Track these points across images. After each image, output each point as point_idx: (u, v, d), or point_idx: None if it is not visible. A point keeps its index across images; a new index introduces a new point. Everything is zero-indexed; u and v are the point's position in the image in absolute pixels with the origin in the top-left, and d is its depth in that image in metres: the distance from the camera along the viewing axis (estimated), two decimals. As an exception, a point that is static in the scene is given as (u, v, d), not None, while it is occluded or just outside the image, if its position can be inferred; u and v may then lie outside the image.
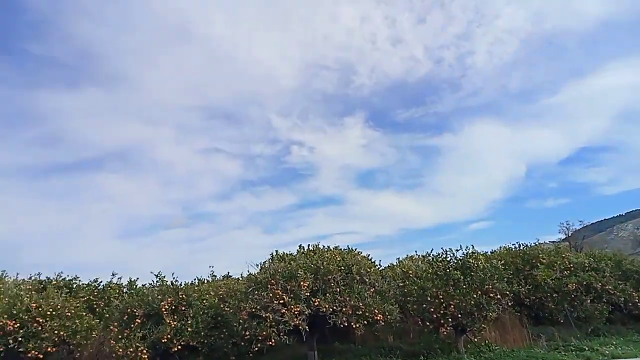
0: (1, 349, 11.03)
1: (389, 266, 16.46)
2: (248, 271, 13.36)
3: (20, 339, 11.20)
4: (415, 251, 16.71)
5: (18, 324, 11.29)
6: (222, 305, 12.96)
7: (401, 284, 13.89)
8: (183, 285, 13.43)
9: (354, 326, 11.66)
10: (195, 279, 15.32)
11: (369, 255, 13.72)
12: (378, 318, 11.80)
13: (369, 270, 12.69)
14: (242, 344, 12.13)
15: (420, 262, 15.10)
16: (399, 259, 16.94)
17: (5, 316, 11.26)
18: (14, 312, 11.41)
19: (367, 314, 11.65)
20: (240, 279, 15.52)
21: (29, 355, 11.30)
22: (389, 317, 12.07)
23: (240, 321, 11.71)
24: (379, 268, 14.10)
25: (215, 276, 16.24)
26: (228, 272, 17.38)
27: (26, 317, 11.48)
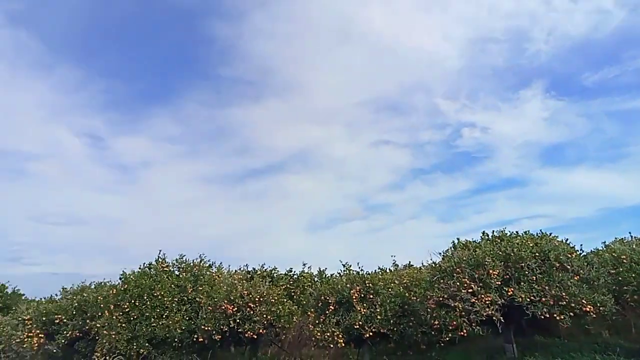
0: (225, 329, 13.03)
1: (593, 251, 14.34)
2: (431, 260, 13.13)
3: (238, 320, 13.08)
4: (629, 233, 14.26)
5: (235, 308, 13.19)
6: (407, 294, 13.01)
7: (612, 271, 11.99)
8: (367, 274, 13.90)
9: (557, 318, 10.48)
10: (378, 269, 15.69)
11: (566, 239, 12.18)
12: (587, 309, 10.38)
13: (569, 256, 11.24)
14: (432, 332, 12.00)
15: (635, 245, 12.82)
16: (604, 242, 14.71)
17: (226, 301, 13.26)
18: (231, 298, 13.36)
19: (572, 304, 10.34)
20: (422, 267, 15.40)
21: (246, 335, 13.12)
22: (601, 308, 10.51)
23: (428, 310, 11.59)
24: (580, 254, 12.39)
25: (397, 265, 16.41)
26: (409, 262, 17.41)
27: (240, 302, 13.33)
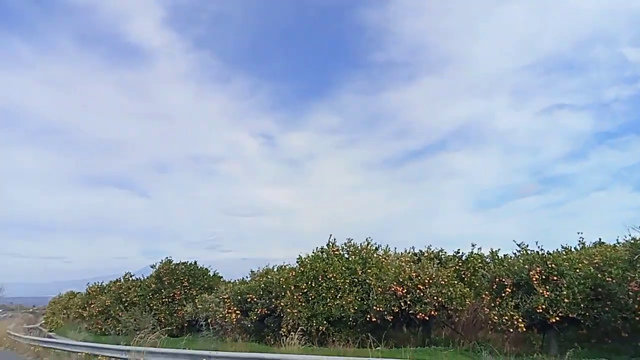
0: (396, 310, 13.25)
1: None
2: (630, 236, 11.30)
3: (408, 302, 13.16)
4: None
5: (405, 290, 13.29)
6: (599, 275, 11.44)
7: None
8: (548, 254, 12.61)
9: None
10: (561, 247, 14.11)
11: None
12: None
13: None
14: (637, 319, 10.35)
15: None
16: None
17: (395, 283, 13.45)
18: (400, 279, 13.49)
19: None
20: (618, 245, 13.39)
21: (418, 316, 13.13)
22: None
23: (630, 293, 10.06)
24: None
25: (584, 243, 14.54)
26: (599, 239, 15.21)
27: (410, 284, 13.37)
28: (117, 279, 27.23)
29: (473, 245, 17.13)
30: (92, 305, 26.01)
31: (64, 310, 34.17)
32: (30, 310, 69.22)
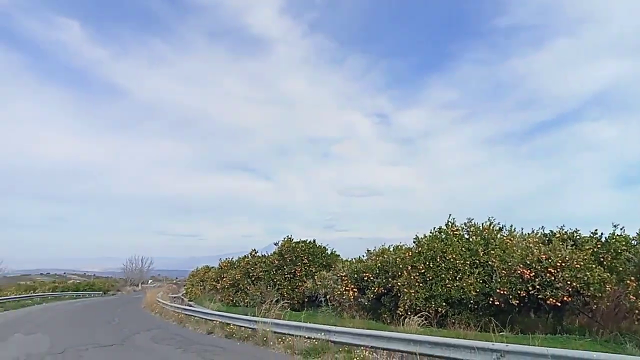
0: (524, 294, 12.41)
1: None
2: None
3: (537, 286, 12.23)
4: None
5: (533, 273, 12.37)
6: None
7: None
8: None
9: None
10: None
11: None
12: None
13: None
14: None
15: None
16: None
17: (521, 265, 12.58)
18: (527, 262, 12.58)
19: None
20: None
21: (548, 302, 12.16)
22: None
23: None
24: None
25: None
26: None
27: (538, 267, 12.41)
28: (244, 255, 29.40)
29: (615, 226, 15.20)
30: (224, 279, 28.59)
31: (201, 283, 37.96)
32: (174, 281, 78.75)
